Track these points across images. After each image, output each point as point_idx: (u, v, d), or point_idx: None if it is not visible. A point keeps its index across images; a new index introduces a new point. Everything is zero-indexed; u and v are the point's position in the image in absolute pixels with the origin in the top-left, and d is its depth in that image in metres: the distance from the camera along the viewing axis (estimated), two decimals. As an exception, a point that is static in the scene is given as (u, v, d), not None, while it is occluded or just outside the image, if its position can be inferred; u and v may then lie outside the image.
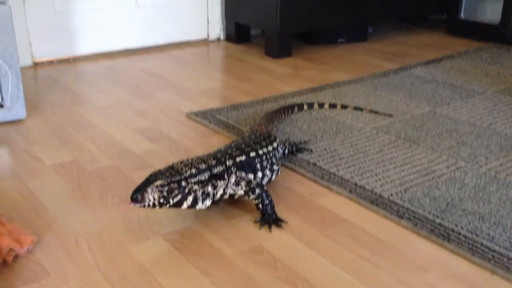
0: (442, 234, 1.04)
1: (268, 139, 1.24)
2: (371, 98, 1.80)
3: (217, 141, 1.48)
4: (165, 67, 2.18)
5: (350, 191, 1.20)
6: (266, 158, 1.18)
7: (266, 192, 1.10)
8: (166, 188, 0.99)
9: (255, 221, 1.09)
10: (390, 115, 1.64)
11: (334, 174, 1.28)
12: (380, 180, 1.25)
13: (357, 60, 2.28)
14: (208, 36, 2.62)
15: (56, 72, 2.09)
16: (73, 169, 1.32)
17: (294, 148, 1.37)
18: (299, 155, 1.37)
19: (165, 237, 1.04)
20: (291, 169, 1.32)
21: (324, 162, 1.34)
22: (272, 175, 1.20)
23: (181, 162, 1.05)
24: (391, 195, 1.18)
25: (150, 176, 1.01)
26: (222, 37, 2.64)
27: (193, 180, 1.02)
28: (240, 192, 1.10)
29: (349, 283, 0.92)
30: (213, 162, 1.07)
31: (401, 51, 2.43)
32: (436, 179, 1.25)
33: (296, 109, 1.65)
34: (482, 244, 1.00)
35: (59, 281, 0.92)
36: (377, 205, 1.15)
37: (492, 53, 2.33)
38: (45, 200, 1.17)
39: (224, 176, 1.08)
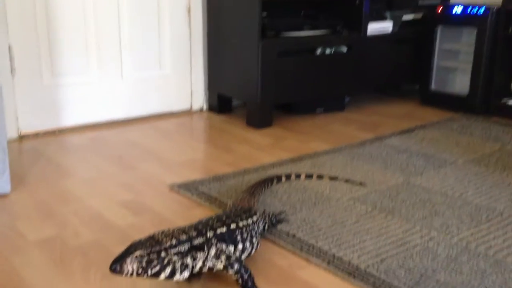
0: (417, 306, 1.07)
1: (249, 212, 1.29)
2: (349, 168, 1.87)
3: (199, 214, 1.51)
4: (148, 138, 2.25)
5: (328, 263, 1.24)
6: (247, 230, 1.22)
7: (245, 267, 1.13)
8: (145, 259, 1.01)
9: (236, 296, 1.11)
10: (362, 184, 1.70)
11: (313, 246, 1.31)
12: (357, 251, 1.29)
13: (335, 130, 2.37)
14: (191, 107, 2.71)
15: (41, 145, 2.13)
16: (56, 244, 1.33)
17: (274, 221, 1.41)
18: (279, 226, 1.41)
19: (147, 314, 1.05)
20: (271, 240, 1.35)
21: (303, 233, 1.38)
22: (252, 249, 1.24)
23: (162, 232, 1.08)
24: (368, 266, 1.22)
25: (131, 246, 1.03)
26: (205, 107, 2.73)
27: (173, 251, 1.05)
28: (219, 266, 1.12)
29: None
30: (194, 233, 1.10)
31: (377, 121, 2.54)
32: (410, 250, 1.29)
33: (275, 181, 1.71)
34: (455, 316, 1.04)
35: None
36: (354, 277, 1.18)
37: (462, 123, 2.45)
38: (28, 277, 1.18)
39: (204, 247, 1.11)
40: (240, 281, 1.12)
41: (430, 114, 2.64)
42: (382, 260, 1.24)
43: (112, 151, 2.06)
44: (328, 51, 2.53)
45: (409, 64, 2.84)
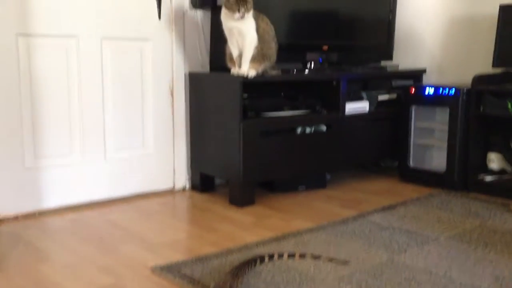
0: None
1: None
2: (332, 246, 1.86)
3: (181, 298, 1.48)
4: (130, 218, 2.22)
5: None
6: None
7: None
8: None
9: None
10: (346, 263, 1.69)
11: (299, 330, 1.28)
12: (344, 335, 1.26)
13: (318, 208, 2.39)
14: (174, 186, 2.71)
15: (20, 228, 2.09)
16: (32, 334, 1.28)
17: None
18: (264, 310, 1.38)
19: None
20: (256, 326, 1.32)
21: (289, 317, 1.35)
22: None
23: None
24: None
25: None
26: (187, 186, 2.73)
27: None
28: None
29: None
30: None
31: (358, 197, 2.56)
32: (398, 332, 1.27)
33: (258, 261, 1.69)
34: None
35: None
36: None
37: (442, 199, 2.49)
38: None
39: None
40: None
41: (410, 190, 2.68)
42: None
43: (93, 233, 2.03)
44: (308, 130, 2.60)
45: (387, 142, 2.92)
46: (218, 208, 2.38)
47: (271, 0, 2.58)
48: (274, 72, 2.42)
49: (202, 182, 2.66)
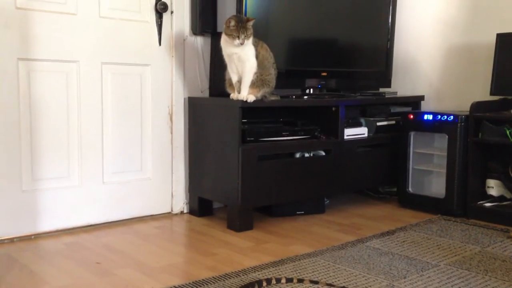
0: None
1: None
2: (331, 271, 1.84)
3: (177, 322, 1.45)
4: (127, 242, 2.20)
5: None
6: None
7: None
8: None
9: None
10: (349, 290, 1.67)
11: None
12: None
13: (316, 233, 2.37)
14: (171, 210, 2.70)
15: (16, 251, 2.07)
16: None
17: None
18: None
19: None
20: None
21: None
22: None
23: None
24: None
25: None
26: (185, 210, 2.72)
27: None
28: None
29: None
30: None
31: (357, 223, 2.55)
32: None
33: (256, 287, 1.66)
34: None
35: None
36: None
37: (441, 225, 2.48)
38: None
39: None
40: None
41: (409, 216, 2.67)
42: None
43: (90, 257, 2.01)
44: (307, 155, 2.60)
45: (386, 167, 2.92)
46: (216, 233, 2.36)
47: (271, 27, 2.62)
48: (273, 98, 2.44)
49: (200, 206, 2.65)
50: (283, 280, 1.73)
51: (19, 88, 2.20)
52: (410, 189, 2.83)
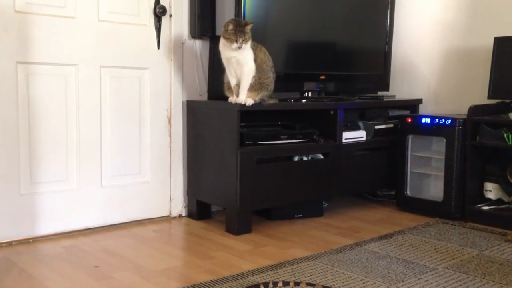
0: None
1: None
2: (329, 275, 1.84)
3: (176, 326, 1.45)
4: (126, 245, 2.20)
5: None
6: None
7: None
8: None
9: None
10: (347, 294, 1.68)
11: None
12: None
13: (314, 236, 2.37)
14: (170, 213, 2.70)
15: (14, 254, 2.07)
16: None
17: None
18: None
19: None
20: None
21: None
22: None
23: None
24: None
25: None
26: (184, 213, 2.72)
27: None
28: None
29: None
30: None
31: (355, 226, 2.55)
32: None
33: (255, 290, 1.67)
34: None
35: None
36: None
37: (439, 228, 2.48)
38: None
39: None
40: None
41: (407, 219, 2.67)
42: None
43: (88, 261, 2.01)
44: (305, 158, 2.60)
45: (384, 170, 2.93)
46: (214, 236, 2.36)
47: (269, 31, 2.62)
48: (271, 101, 2.44)
49: (199, 209, 2.65)
50: (280, 283, 1.74)
51: (18, 91, 2.20)
52: (408, 192, 2.83)
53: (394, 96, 3.18)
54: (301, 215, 2.69)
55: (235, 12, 2.45)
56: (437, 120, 2.67)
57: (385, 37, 3.10)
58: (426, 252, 2.12)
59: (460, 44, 2.99)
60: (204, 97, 2.76)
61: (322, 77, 2.83)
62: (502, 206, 2.59)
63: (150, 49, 2.58)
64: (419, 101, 3.11)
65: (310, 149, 2.61)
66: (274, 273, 1.86)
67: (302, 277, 1.81)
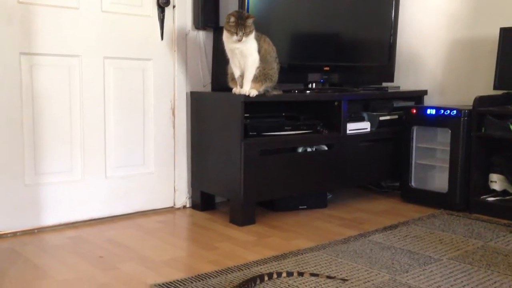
0: None
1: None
2: (333, 266, 1.84)
3: (180, 316, 1.46)
4: (130, 236, 2.21)
5: None
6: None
7: None
8: None
9: None
10: (344, 280, 1.67)
11: None
12: None
13: (318, 227, 2.37)
14: (174, 204, 2.70)
15: (19, 244, 2.08)
16: None
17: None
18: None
19: None
20: None
21: (289, 336, 1.33)
22: None
23: None
24: None
25: None
26: (188, 205, 2.72)
27: None
28: None
29: None
30: None
31: (359, 217, 2.55)
32: None
33: (258, 281, 1.67)
34: None
35: None
36: None
37: (444, 220, 2.47)
38: None
39: None
40: None
41: (412, 211, 2.66)
42: None
43: (93, 251, 2.02)
44: (309, 149, 2.60)
45: (388, 162, 2.92)
46: (219, 227, 2.37)
47: (273, 22, 2.61)
48: (275, 92, 2.43)
49: (203, 200, 2.65)
50: (284, 274, 1.74)
51: (22, 83, 2.20)
52: (412, 183, 2.82)
53: (399, 87, 3.16)
54: (305, 206, 2.69)
55: (238, 3, 2.44)
56: (442, 111, 2.66)
57: (389, 27, 3.07)
58: (431, 243, 2.11)
59: (466, 35, 2.97)
60: (208, 88, 2.75)
61: (326, 68, 2.81)
62: (507, 197, 2.58)
63: (154, 40, 2.57)
64: (424, 92, 3.10)
65: (314, 141, 2.60)
66: (278, 263, 1.86)
67: (306, 268, 1.81)
